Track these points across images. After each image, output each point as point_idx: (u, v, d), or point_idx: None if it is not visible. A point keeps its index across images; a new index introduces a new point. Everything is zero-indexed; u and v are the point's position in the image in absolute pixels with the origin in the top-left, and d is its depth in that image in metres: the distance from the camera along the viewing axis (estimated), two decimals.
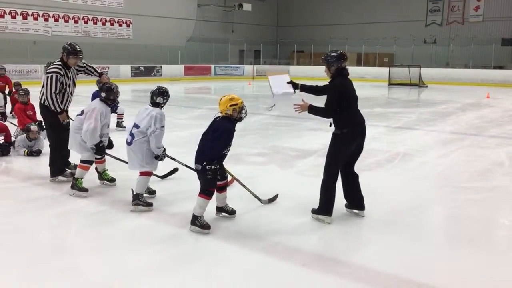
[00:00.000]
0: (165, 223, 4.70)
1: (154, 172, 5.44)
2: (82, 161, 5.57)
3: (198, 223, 4.39)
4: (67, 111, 6.09)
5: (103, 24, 30.52)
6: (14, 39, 25.48)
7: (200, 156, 4.43)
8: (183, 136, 9.15)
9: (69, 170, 6.14)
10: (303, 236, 4.38)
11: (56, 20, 28.32)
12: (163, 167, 6.12)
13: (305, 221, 4.77)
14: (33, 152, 7.47)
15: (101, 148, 5.59)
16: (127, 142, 5.07)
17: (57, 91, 5.80)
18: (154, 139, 4.93)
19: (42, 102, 5.92)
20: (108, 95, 5.55)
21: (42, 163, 7.06)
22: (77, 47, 5.95)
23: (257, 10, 38.38)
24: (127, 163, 5.27)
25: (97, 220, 4.80)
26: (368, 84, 27.00)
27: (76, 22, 29.16)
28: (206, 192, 4.40)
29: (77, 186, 5.46)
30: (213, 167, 4.33)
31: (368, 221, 4.87)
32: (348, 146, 4.60)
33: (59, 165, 6.11)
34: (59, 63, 5.90)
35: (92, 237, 4.41)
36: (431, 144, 9.06)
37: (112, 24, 30.97)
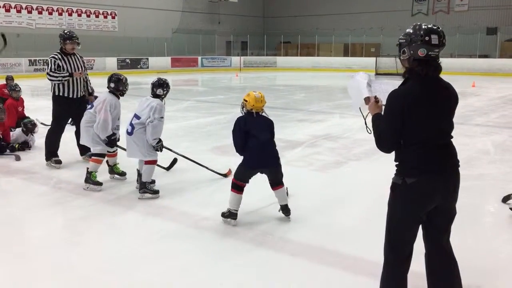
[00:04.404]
0: (154, 215, 4.70)
1: (160, 165, 5.79)
2: (94, 154, 5.56)
3: (289, 208, 4.53)
4: (82, 97, 6.52)
5: (88, 16, 30.15)
6: None
7: (277, 158, 4.52)
8: (171, 128, 9.10)
9: (53, 158, 6.45)
10: (292, 226, 4.40)
11: (40, 13, 27.91)
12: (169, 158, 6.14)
13: (294, 211, 4.79)
14: (25, 146, 7.37)
15: (113, 141, 5.60)
16: (127, 132, 5.18)
17: (53, 70, 6.23)
18: (151, 129, 5.03)
19: (51, 90, 6.45)
20: (117, 86, 5.55)
21: (30, 157, 7.01)
22: (73, 33, 6.51)
23: (243, 1, 38.11)
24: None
25: (87, 214, 4.77)
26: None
27: (60, 14, 28.77)
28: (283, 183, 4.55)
29: (92, 180, 5.45)
30: None
31: (356, 210, 4.91)
32: (416, 209, 2.62)
33: (47, 151, 6.50)
34: (58, 51, 6.41)
35: (82, 231, 4.39)
36: None
37: (97, 16, 30.61)
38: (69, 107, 6.42)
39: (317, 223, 4.51)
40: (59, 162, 6.44)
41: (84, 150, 6.70)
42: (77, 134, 6.64)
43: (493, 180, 6.01)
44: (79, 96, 6.47)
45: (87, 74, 6.71)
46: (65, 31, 6.52)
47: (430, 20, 33.64)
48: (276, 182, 4.47)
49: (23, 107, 8.93)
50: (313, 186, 5.71)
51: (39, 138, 7.99)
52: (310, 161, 6.93)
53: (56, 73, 6.23)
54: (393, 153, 2.69)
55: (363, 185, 5.74)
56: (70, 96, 6.38)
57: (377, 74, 27.07)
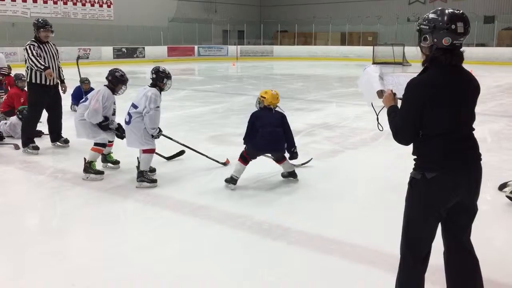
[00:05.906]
0: (152, 204, 4.70)
1: (160, 153, 5.87)
2: (95, 144, 5.52)
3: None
4: (57, 84, 6.72)
5: (83, 4, 29.92)
6: None
7: (282, 144, 5.03)
8: (168, 118, 9.07)
9: (31, 145, 6.56)
10: (289, 215, 4.40)
11: (35, 1, 27.68)
12: (170, 148, 6.16)
13: (291, 199, 4.81)
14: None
15: (104, 127, 5.48)
16: (125, 121, 5.22)
17: (36, 54, 6.35)
18: (148, 119, 5.07)
19: (27, 79, 6.57)
20: (115, 80, 5.51)
21: None
22: (47, 21, 6.62)
23: None
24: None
25: (85, 203, 4.76)
26: (352, 63, 27.00)
27: (55, 3, 28.54)
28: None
29: (92, 170, 5.41)
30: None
31: (354, 198, 4.92)
32: (436, 205, 2.45)
33: (25, 138, 6.61)
34: (33, 39, 6.53)
35: (80, 220, 4.39)
36: None
37: (92, 5, 30.38)
38: (45, 94, 6.60)
39: (314, 212, 4.52)
40: (37, 148, 6.56)
41: (57, 136, 6.89)
42: (49, 121, 6.92)
43: (490, 168, 5.98)
44: (54, 83, 6.65)
45: (60, 62, 6.82)
46: (39, 20, 6.64)
47: (427, 8, 33.52)
48: (279, 159, 5.15)
49: (25, 98, 8.80)
50: (310, 175, 5.71)
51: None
52: (307, 150, 6.92)
53: (38, 60, 6.33)
54: (395, 143, 2.63)
55: (360, 174, 5.76)
56: (46, 83, 6.52)
57: (374, 63, 27.04)
